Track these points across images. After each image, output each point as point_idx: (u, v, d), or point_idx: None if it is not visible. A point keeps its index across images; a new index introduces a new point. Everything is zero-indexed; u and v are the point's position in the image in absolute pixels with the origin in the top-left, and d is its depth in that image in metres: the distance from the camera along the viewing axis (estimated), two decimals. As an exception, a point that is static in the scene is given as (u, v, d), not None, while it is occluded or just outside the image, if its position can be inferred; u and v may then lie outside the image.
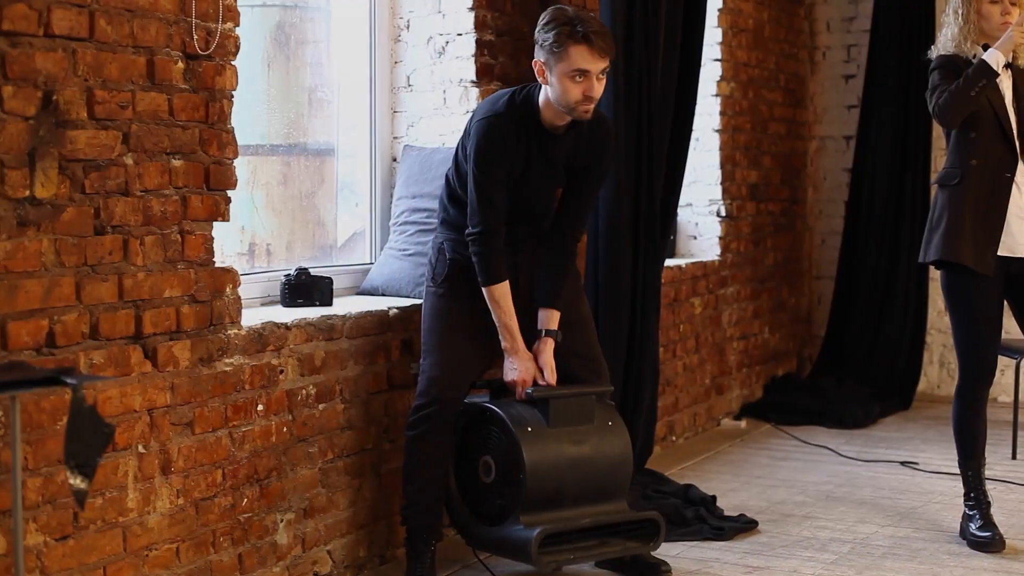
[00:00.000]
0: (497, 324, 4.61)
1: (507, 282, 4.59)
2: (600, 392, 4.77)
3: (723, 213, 7.67)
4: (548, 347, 4.69)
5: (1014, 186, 5.12)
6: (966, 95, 4.98)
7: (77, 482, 2.70)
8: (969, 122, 5.09)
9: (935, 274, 5.42)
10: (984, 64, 4.97)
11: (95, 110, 3.68)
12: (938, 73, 5.11)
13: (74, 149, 3.61)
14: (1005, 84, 5.15)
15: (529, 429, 4.53)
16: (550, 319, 4.72)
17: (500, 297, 4.58)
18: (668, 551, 5.08)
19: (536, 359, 4.66)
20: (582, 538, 4.59)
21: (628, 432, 4.80)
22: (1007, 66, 5.10)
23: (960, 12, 5.15)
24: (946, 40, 5.19)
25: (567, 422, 4.61)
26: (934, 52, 5.23)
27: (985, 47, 5.08)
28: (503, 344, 4.63)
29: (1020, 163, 5.13)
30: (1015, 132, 5.12)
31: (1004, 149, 5.12)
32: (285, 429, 4.44)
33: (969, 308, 5.19)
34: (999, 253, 5.12)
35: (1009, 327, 5.72)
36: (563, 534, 4.54)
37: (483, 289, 4.57)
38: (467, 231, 4.56)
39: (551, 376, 4.67)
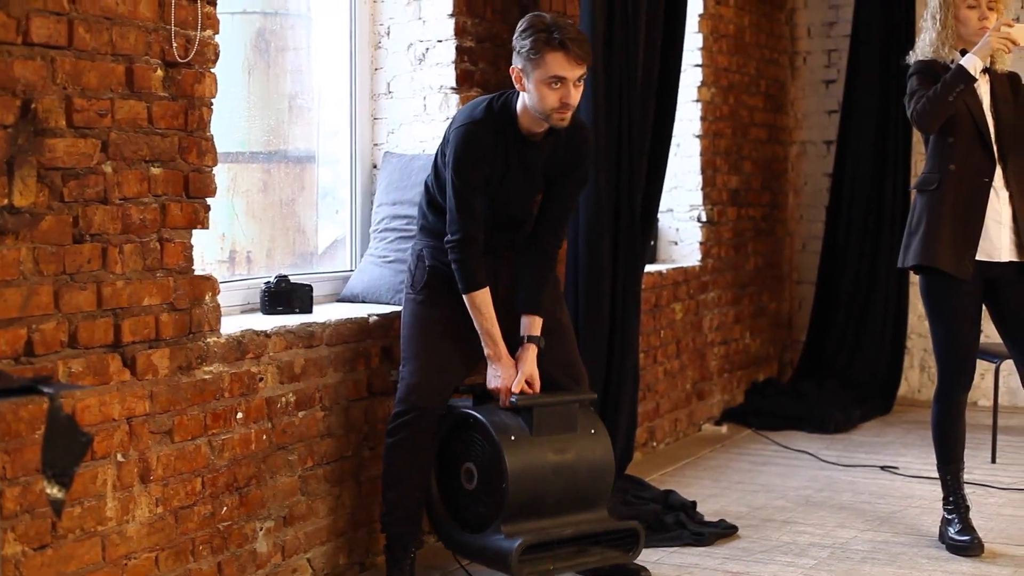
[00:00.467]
0: (479, 331, 4.61)
1: (488, 288, 4.60)
2: (583, 400, 4.78)
3: (704, 218, 7.69)
4: (531, 354, 4.69)
5: (992, 191, 5.13)
6: (944, 100, 4.99)
7: (54, 492, 2.70)
8: (947, 127, 5.11)
9: (915, 278, 5.44)
10: (962, 69, 4.98)
11: (74, 118, 3.67)
12: (916, 78, 5.13)
13: (53, 157, 3.61)
14: (983, 89, 5.16)
15: (512, 438, 4.54)
16: (533, 325, 4.72)
17: (481, 304, 4.58)
18: (648, 557, 5.09)
19: (519, 366, 4.67)
20: (562, 547, 4.60)
21: (610, 440, 4.81)
22: (985, 71, 5.12)
23: (938, 17, 5.17)
24: (924, 45, 5.21)
25: (550, 430, 4.62)
26: (912, 57, 5.25)
27: (963, 52, 5.10)
28: (486, 351, 4.63)
29: (998, 168, 5.14)
30: (993, 137, 5.14)
31: (982, 154, 5.13)
32: (264, 437, 4.44)
33: (948, 313, 5.20)
34: (977, 258, 5.13)
35: (989, 331, 5.75)
36: (543, 543, 4.54)
37: (464, 296, 4.58)
38: (446, 238, 4.56)
39: (534, 384, 4.68)
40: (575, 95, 4.50)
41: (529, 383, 4.65)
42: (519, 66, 4.51)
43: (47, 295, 3.61)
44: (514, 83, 4.54)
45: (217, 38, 4.19)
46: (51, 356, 3.62)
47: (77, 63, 3.68)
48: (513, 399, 4.61)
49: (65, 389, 2.90)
